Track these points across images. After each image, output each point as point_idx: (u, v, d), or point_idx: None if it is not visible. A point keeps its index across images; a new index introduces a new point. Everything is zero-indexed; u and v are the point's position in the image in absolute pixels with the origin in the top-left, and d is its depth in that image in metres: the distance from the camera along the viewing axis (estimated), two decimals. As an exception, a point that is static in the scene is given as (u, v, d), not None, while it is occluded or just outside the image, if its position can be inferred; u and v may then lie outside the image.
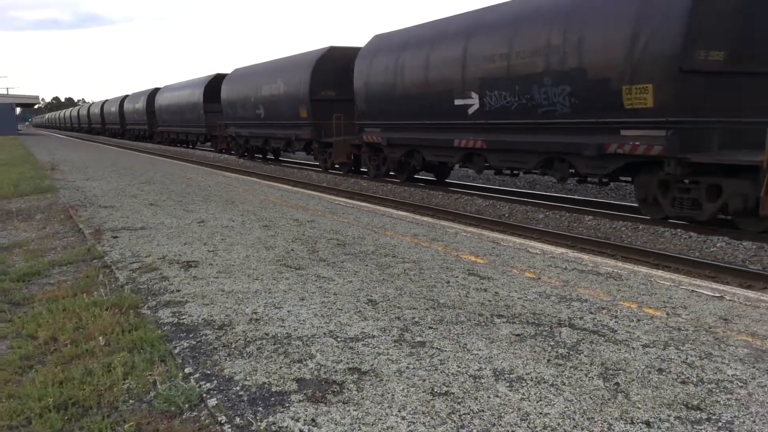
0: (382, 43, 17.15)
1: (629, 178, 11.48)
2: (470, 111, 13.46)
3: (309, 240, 6.94)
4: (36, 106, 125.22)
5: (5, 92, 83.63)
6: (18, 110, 72.79)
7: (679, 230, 9.65)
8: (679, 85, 9.42)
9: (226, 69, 32.71)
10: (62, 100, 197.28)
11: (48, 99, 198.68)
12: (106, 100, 63.14)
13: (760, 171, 8.32)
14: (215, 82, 30.49)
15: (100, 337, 3.89)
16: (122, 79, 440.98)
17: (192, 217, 8.64)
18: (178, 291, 4.92)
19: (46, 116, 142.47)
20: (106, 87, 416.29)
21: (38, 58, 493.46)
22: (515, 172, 14.10)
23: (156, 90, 43.17)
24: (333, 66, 19.75)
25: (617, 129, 10.40)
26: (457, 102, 13.74)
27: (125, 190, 12.18)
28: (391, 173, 17.39)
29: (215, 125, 29.43)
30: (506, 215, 12.01)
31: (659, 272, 5.92)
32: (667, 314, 4.32)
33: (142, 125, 46.44)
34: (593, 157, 10.82)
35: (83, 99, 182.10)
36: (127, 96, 52.59)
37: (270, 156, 26.77)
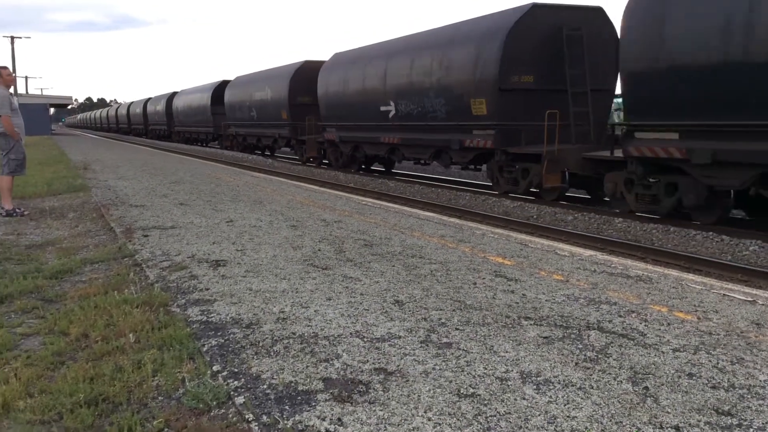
0: (337, 59, 22.15)
1: (483, 165, 15.95)
2: (390, 115, 18.20)
3: (336, 240, 6.97)
4: (69, 107, 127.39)
5: (40, 93, 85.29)
6: (52, 110, 74.12)
7: (710, 233, 9.52)
8: (500, 99, 13.93)
9: (250, 70, 37.31)
10: (95, 100, 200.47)
11: (81, 100, 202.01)
12: (132, 102, 67.23)
13: (542, 157, 12.79)
14: (222, 88, 35.89)
15: (131, 334, 3.94)
16: (153, 81, 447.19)
17: (221, 216, 8.72)
18: (207, 289, 4.97)
19: (78, 116, 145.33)
20: (137, 88, 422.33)
21: (73, 59, 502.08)
22: (420, 161, 18.67)
23: (174, 93, 47.68)
24: (307, 76, 24.28)
25: (470, 129, 15.03)
26: (381, 108, 18.44)
27: (156, 189, 12.34)
28: (345, 165, 21.67)
29: (221, 125, 34.21)
30: (534, 217, 11.94)
31: (690, 275, 5.84)
32: (698, 318, 4.26)
33: (162, 125, 51.39)
34: (458, 149, 15.58)
35: (114, 100, 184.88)
36: (150, 98, 56.66)
37: (267, 153, 30.83)
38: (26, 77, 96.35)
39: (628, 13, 10.58)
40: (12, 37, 61.90)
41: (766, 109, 8.75)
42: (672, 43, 9.80)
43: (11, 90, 9.80)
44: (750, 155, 9.07)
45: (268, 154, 31.00)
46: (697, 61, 9.50)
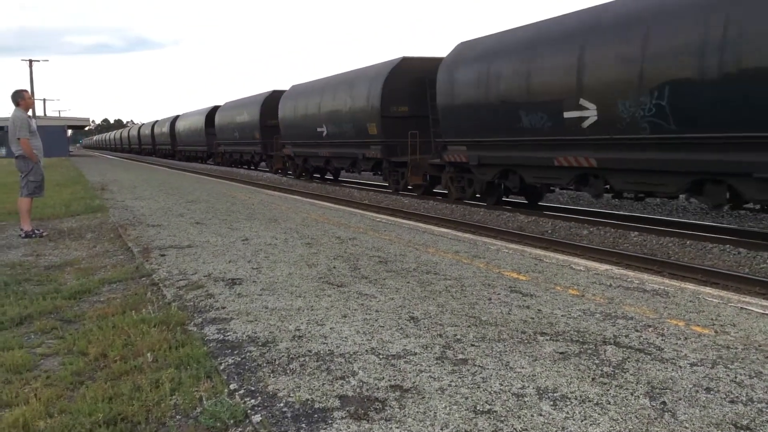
0: (293, 90, 26.87)
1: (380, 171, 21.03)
2: (323, 135, 23.62)
3: (351, 257, 6.99)
4: (86, 128, 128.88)
5: (57, 115, 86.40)
6: (69, 132, 75.10)
7: (728, 246, 9.45)
8: (384, 123, 19.27)
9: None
10: (111, 121, 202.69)
11: (98, 121, 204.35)
12: (142, 124, 69.97)
13: (408, 164, 18.43)
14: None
15: (148, 354, 3.98)
16: (167, 101, 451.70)
17: (236, 235, 8.78)
18: (223, 308, 5.00)
19: (94, 138, 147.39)
20: (153, 108, 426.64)
21: (89, 81, 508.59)
22: (343, 169, 24.16)
23: (177, 117, 49.78)
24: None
25: (368, 145, 20.40)
26: (318, 129, 23.82)
27: (172, 209, 12.45)
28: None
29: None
30: (549, 231, 11.91)
31: (707, 289, 5.79)
32: (716, 332, 4.23)
33: (167, 145, 53.44)
34: (361, 159, 21.13)
35: (131, 120, 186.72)
36: (156, 121, 58.56)
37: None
38: (44, 99, 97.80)
39: (439, 71, 16.51)
40: (30, 61, 62.87)
41: (501, 132, 14.13)
42: (458, 90, 15.63)
43: (30, 112, 9.97)
44: (496, 159, 14.66)
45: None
46: (468, 101, 15.24)
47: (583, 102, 11.66)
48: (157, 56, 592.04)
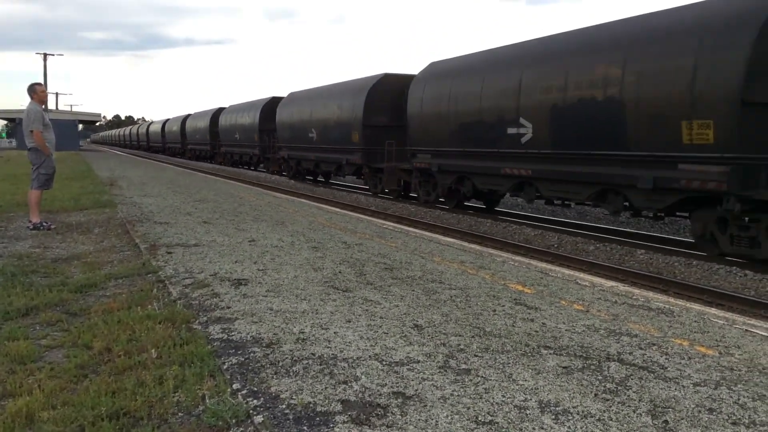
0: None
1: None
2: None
3: (357, 263, 7.00)
4: (98, 124, 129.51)
5: (69, 109, 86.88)
6: (80, 127, 75.54)
7: (734, 268, 9.42)
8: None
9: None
10: (122, 118, 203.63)
11: (109, 117, 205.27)
12: (152, 122, 70.87)
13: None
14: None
15: (153, 350, 3.99)
16: (180, 100, 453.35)
17: (243, 236, 8.81)
18: (228, 308, 5.02)
19: (101, 134, 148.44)
20: (164, 106, 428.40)
21: (101, 77, 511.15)
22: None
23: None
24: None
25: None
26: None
27: (180, 207, 12.49)
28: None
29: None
30: (555, 246, 11.89)
31: (713, 310, 5.78)
32: (720, 353, 4.22)
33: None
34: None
35: (143, 118, 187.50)
36: (168, 119, 59.26)
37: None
38: (57, 94, 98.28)
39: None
40: (45, 54, 63.30)
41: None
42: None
43: (43, 106, 10.03)
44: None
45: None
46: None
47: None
48: (170, 55, 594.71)
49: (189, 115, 52.89)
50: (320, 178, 28.40)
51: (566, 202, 14.11)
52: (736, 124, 9.32)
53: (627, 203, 11.75)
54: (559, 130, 12.69)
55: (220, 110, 42.41)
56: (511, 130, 13.90)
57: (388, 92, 20.86)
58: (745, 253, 9.73)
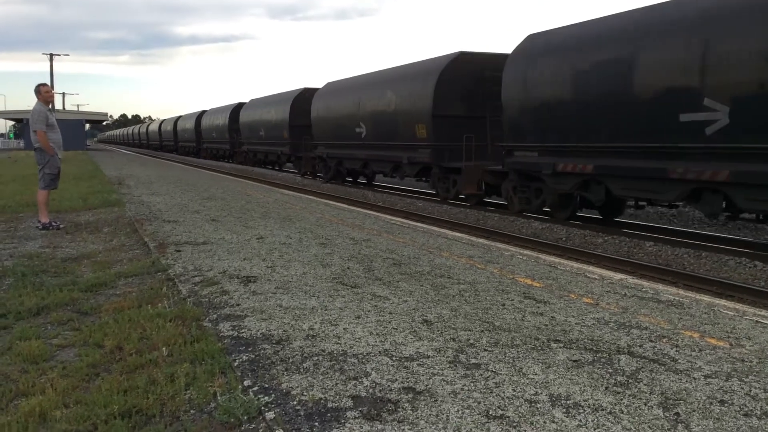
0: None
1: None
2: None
3: (365, 259, 7.01)
4: (104, 123, 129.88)
5: (76, 109, 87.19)
6: (87, 126, 75.74)
7: (743, 259, 9.39)
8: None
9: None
10: (129, 117, 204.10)
11: (116, 116, 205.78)
12: (152, 122, 72.72)
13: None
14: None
15: (164, 348, 4.01)
16: (184, 100, 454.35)
17: (251, 233, 8.83)
18: (238, 305, 5.03)
19: (107, 134, 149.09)
20: (171, 104, 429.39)
21: (107, 77, 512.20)
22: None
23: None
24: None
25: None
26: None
27: (188, 205, 12.53)
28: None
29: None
30: (563, 239, 11.87)
31: (722, 301, 5.76)
32: (731, 345, 4.21)
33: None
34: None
35: (150, 117, 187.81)
36: (164, 120, 60.62)
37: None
38: (63, 93, 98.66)
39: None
40: (51, 54, 63.55)
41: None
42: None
43: (50, 106, 10.07)
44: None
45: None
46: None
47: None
48: (174, 54, 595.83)
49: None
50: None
51: None
52: None
53: None
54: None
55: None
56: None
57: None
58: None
